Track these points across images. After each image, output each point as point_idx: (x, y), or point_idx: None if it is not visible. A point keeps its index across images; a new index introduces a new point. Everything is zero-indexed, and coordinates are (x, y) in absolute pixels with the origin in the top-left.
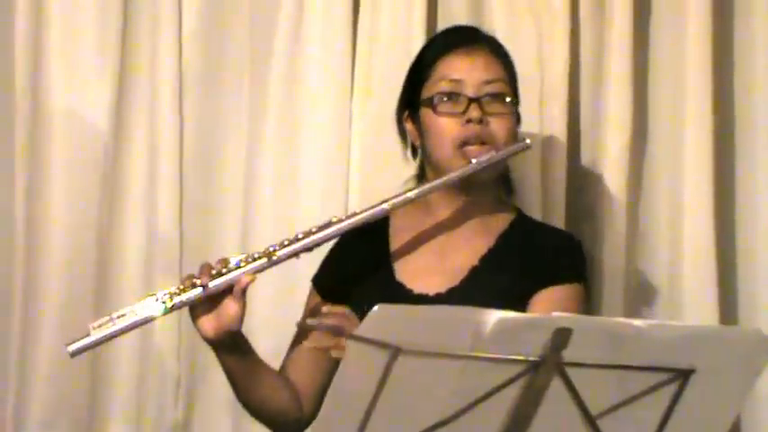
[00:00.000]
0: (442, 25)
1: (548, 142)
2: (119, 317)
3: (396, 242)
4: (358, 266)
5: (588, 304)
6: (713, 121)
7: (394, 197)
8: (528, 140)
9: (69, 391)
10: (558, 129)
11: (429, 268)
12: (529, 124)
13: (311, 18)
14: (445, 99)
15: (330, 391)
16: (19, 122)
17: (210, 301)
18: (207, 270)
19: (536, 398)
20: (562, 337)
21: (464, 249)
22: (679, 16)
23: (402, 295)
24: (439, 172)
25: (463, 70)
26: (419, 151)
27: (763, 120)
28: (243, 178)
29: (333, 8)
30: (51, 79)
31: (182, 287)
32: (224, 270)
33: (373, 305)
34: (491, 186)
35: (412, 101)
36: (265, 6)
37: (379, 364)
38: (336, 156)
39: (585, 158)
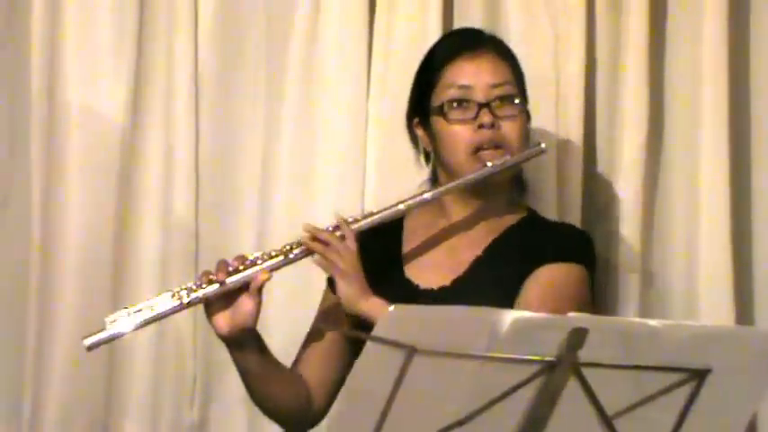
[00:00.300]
0: (458, 26)
1: (563, 142)
2: (136, 311)
3: (408, 242)
4: (371, 266)
5: (595, 297)
6: (730, 120)
7: (409, 198)
8: (543, 144)
9: (85, 391)
10: (574, 129)
11: (436, 264)
12: (545, 124)
13: (327, 19)
14: (455, 106)
15: (345, 391)
16: (35, 122)
17: (226, 298)
18: (223, 267)
19: (552, 398)
20: (578, 337)
21: (471, 245)
22: (695, 16)
23: (409, 291)
24: (453, 176)
25: (470, 75)
26: (431, 156)
27: None
28: (259, 178)
29: (349, 9)
30: (67, 79)
31: (198, 283)
32: (240, 267)
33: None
34: (505, 188)
35: (421, 108)
36: (281, 6)
37: (395, 365)
38: (352, 156)
39: (601, 159)
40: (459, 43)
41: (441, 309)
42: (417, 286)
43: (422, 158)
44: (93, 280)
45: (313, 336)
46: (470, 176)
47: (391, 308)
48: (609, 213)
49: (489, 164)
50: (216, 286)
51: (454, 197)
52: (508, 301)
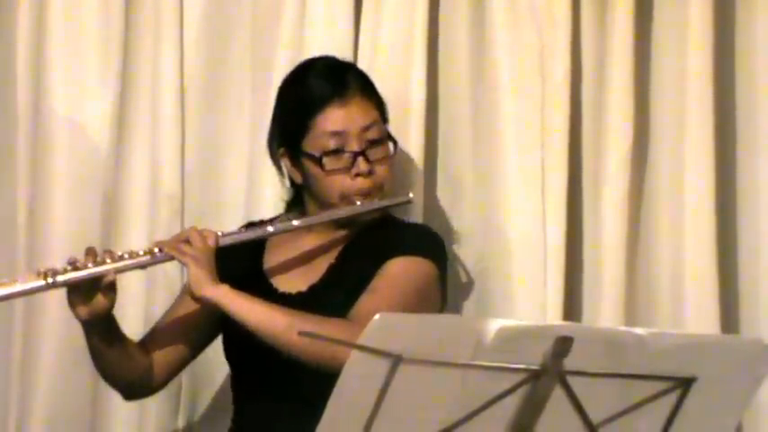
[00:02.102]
0: (443, 38)
1: (548, 150)
2: None
3: (270, 247)
4: (233, 268)
5: (446, 297)
6: (714, 128)
7: (279, 222)
8: (411, 195)
9: (71, 402)
10: (560, 137)
11: (295, 270)
12: (530, 133)
13: (313, 27)
14: (330, 155)
15: (331, 400)
16: (21, 134)
17: (88, 286)
18: (92, 256)
19: (537, 406)
20: (563, 345)
21: (327, 250)
22: (680, 24)
23: (268, 294)
24: (322, 207)
25: (342, 122)
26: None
27: (766, 126)
28: (245, 189)
29: (335, 17)
30: (53, 91)
31: (65, 268)
32: (108, 260)
33: None
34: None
35: (289, 143)
36: (267, 15)
37: (381, 373)
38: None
39: (587, 167)
40: (329, 90)
41: (427, 317)
42: (276, 290)
43: (285, 181)
44: None
45: (172, 310)
46: (340, 213)
47: (377, 316)
48: (594, 220)
49: (359, 203)
50: (76, 273)
51: (316, 207)
52: None
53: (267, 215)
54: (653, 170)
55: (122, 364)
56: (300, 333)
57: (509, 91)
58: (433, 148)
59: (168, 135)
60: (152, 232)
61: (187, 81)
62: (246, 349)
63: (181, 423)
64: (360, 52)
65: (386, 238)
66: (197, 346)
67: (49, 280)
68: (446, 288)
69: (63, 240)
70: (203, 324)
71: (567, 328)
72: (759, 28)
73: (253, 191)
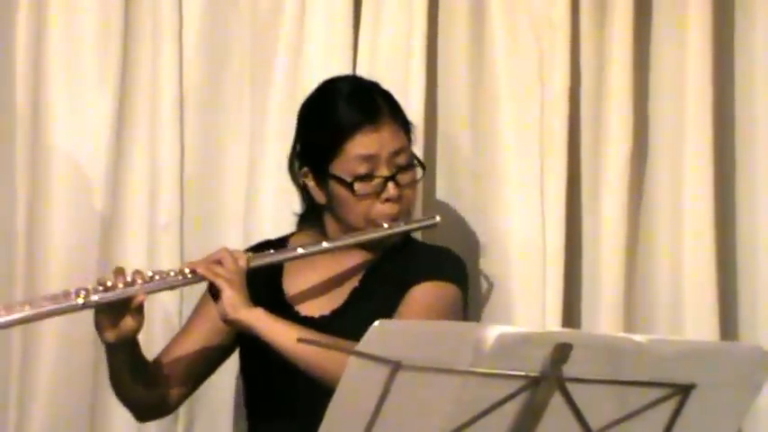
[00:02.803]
0: (442, 42)
1: (548, 156)
2: (30, 303)
3: (291, 269)
4: (253, 290)
5: (468, 317)
6: (714, 132)
7: (309, 245)
8: (438, 218)
9: (71, 408)
10: (559, 143)
11: (317, 293)
12: (530, 139)
13: (312, 32)
14: (361, 180)
15: (331, 406)
16: (20, 137)
17: (115, 308)
18: (121, 276)
19: (536, 413)
20: (562, 352)
21: (350, 274)
22: (680, 29)
23: (290, 317)
24: (345, 228)
25: (374, 146)
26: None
27: (764, 132)
28: (244, 194)
29: (333, 22)
30: (52, 94)
31: (95, 288)
32: (138, 281)
33: None
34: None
35: (314, 164)
36: (266, 21)
37: (380, 380)
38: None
39: (586, 174)
40: (361, 115)
41: (426, 324)
42: (298, 313)
43: (300, 196)
44: None
45: (188, 328)
46: (368, 236)
47: (376, 323)
48: (593, 226)
49: (386, 225)
50: (107, 294)
51: (337, 228)
52: None
53: (266, 219)
54: (652, 175)
55: (141, 387)
56: (299, 340)
57: (508, 95)
58: (431, 152)
59: (167, 138)
60: (151, 236)
61: (186, 84)
62: (266, 368)
63: (180, 428)
64: (359, 57)
65: (409, 263)
66: (211, 366)
67: (80, 301)
68: (468, 309)
69: (62, 244)
70: (218, 344)
71: (567, 334)
72: (758, 33)
73: (252, 195)
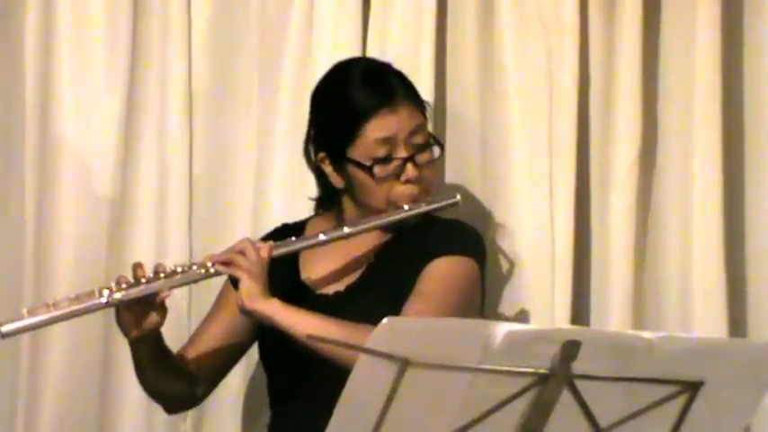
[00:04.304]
0: (451, 42)
1: (556, 156)
2: (53, 304)
3: (306, 251)
4: (270, 268)
5: (485, 291)
6: (723, 133)
7: (330, 231)
8: (458, 196)
9: (79, 407)
10: (567, 143)
11: (332, 270)
12: (538, 138)
13: (321, 32)
14: (380, 163)
15: (340, 403)
16: (29, 137)
17: (138, 304)
18: (140, 271)
19: (545, 410)
20: (571, 349)
21: (365, 250)
22: (688, 29)
23: (305, 295)
24: (365, 211)
25: (391, 128)
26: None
27: None
28: (253, 193)
29: (342, 22)
30: (61, 94)
31: (119, 286)
32: (161, 275)
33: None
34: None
35: (332, 149)
36: (275, 20)
37: (388, 377)
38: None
39: (594, 173)
40: (377, 97)
41: (434, 321)
42: (313, 291)
43: (316, 180)
44: None
45: (210, 319)
46: (390, 218)
47: (385, 320)
48: (601, 226)
49: (406, 207)
50: (130, 291)
51: (357, 212)
52: (401, 304)
53: (275, 218)
54: (661, 175)
55: (168, 379)
56: (309, 337)
57: (517, 96)
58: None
59: (176, 139)
60: (160, 236)
61: (195, 84)
62: (283, 354)
63: (188, 427)
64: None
65: (426, 238)
66: (237, 355)
67: (103, 300)
68: (485, 284)
69: (71, 243)
70: (242, 332)
71: (575, 332)
72: (767, 31)
73: (260, 194)
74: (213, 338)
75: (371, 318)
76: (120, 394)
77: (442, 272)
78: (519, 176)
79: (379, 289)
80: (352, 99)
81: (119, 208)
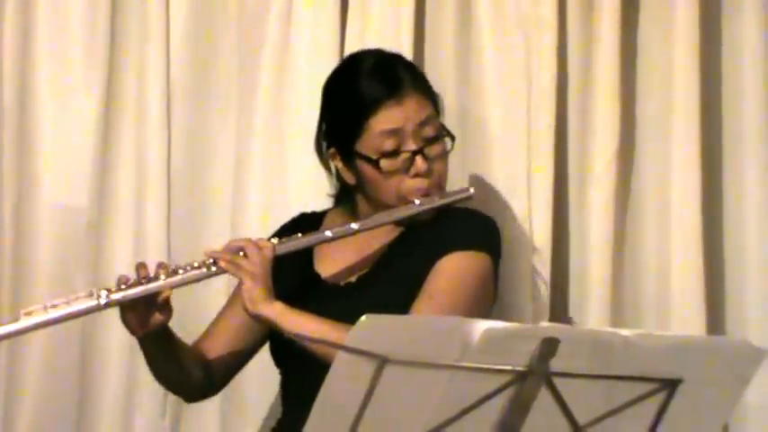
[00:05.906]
0: (429, 42)
1: (535, 152)
2: (52, 306)
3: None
4: (281, 260)
5: (497, 285)
6: (701, 129)
7: (337, 227)
8: (472, 189)
9: (58, 404)
10: (546, 141)
11: (345, 261)
12: (517, 137)
13: (299, 30)
14: (388, 157)
15: (318, 401)
16: (6, 134)
17: (142, 302)
18: (143, 271)
19: (523, 408)
20: (549, 346)
21: (379, 241)
22: (666, 26)
23: (316, 286)
24: (377, 206)
25: (398, 120)
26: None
27: (751, 129)
28: (231, 190)
29: (320, 18)
30: (39, 91)
31: (117, 286)
32: (162, 274)
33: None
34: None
35: (340, 143)
36: (253, 19)
37: (366, 374)
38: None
39: (573, 169)
40: (383, 89)
41: (413, 319)
42: (325, 282)
43: (333, 179)
44: (66, 292)
45: (225, 312)
46: (399, 214)
47: (363, 317)
48: (580, 223)
49: (417, 201)
50: (129, 292)
51: (369, 207)
52: (412, 295)
53: (253, 216)
54: (639, 171)
55: (182, 371)
56: (296, 336)
57: (495, 93)
58: None
59: (154, 136)
60: (138, 232)
61: (173, 81)
62: (291, 352)
63: (168, 420)
64: (346, 54)
65: (439, 230)
66: (252, 347)
67: (102, 301)
68: (498, 278)
69: (48, 240)
70: (256, 327)
71: (553, 329)
72: (746, 31)
73: (239, 191)
74: (227, 333)
75: (382, 309)
76: (97, 394)
77: (453, 269)
78: (497, 173)
79: (390, 280)
80: (357, 91)
81: (97, 206)
